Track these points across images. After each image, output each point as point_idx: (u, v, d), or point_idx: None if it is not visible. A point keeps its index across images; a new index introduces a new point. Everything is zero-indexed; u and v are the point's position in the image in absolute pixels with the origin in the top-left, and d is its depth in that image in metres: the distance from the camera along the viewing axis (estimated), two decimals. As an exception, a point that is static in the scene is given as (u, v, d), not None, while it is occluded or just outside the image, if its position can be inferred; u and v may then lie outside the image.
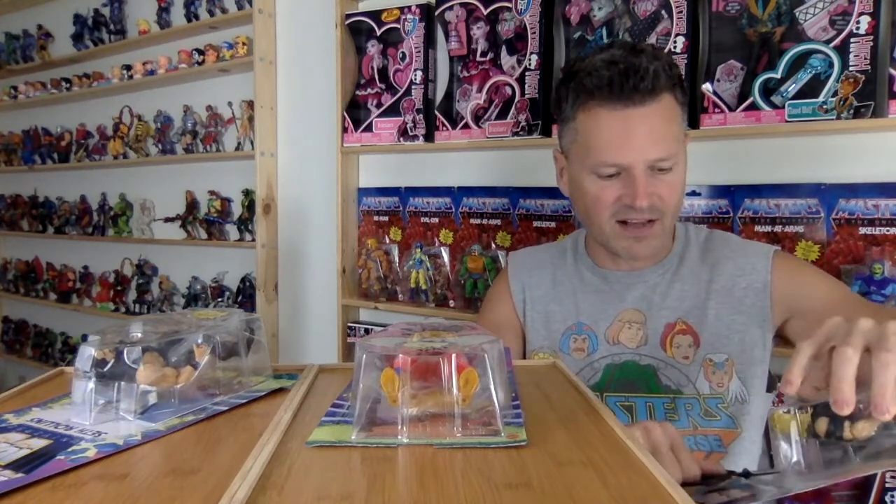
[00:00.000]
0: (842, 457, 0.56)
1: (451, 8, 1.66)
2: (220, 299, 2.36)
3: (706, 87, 1.31)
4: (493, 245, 1.67)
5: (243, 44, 2.15)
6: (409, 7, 1.74)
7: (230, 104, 2.27)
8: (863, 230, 1.23)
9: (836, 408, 0.54)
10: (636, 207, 0.90)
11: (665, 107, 0.90)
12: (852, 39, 1.18)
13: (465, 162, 1.78)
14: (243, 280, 2.29)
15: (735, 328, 0.96)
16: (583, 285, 1.06)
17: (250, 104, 2.16)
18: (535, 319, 1.07)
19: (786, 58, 1.24)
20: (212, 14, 2.24)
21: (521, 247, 1.61)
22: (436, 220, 1.77)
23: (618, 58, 0.89)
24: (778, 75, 1.25)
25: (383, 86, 1.79)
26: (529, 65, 1.54)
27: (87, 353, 0.59)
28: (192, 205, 2.41)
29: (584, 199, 0.97)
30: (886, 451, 0.55)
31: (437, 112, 1.70)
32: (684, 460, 0.69)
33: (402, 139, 1.76)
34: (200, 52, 2.25)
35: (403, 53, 1.75)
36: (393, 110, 1.77)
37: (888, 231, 1.21)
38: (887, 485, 1.20)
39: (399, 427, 0.52)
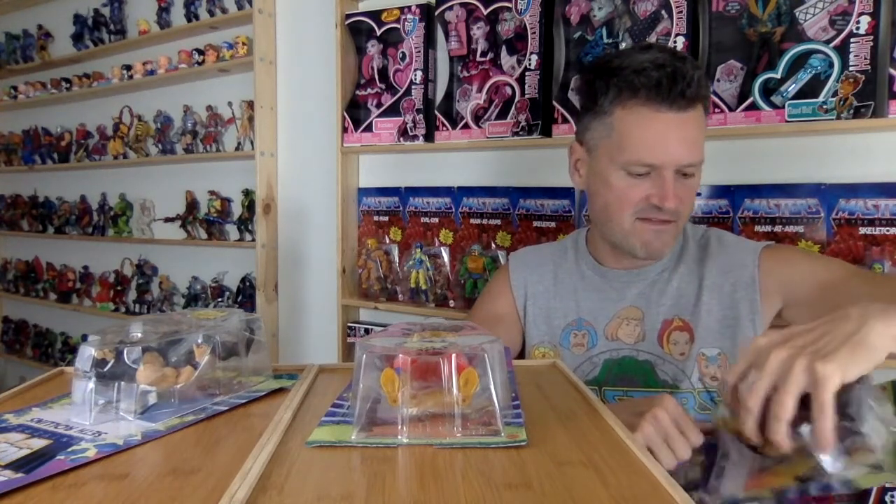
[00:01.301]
0: (763, 464, 0.62)
1: (451, 8, 1.66)
2: (220, 299, 2.37)
3: (706, 87, 1.31)
4: (493, 245, 1.67)
5: (243, 44, 2.15)
6: (409, 7, 1.74)
7: (230, 104, 2.27)
8: (863, 230, 1.23)
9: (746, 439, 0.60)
10: (664, 208, 0.92)
11: (699, 115, 0.93)
12: (852, 39, 1.18)
13: (465, 162, 1.78)
14: (243, 280, 2.29)
15: (726, 323, 0.97)
16: (583, 283, 1.08)
17: (250, 104, 2.16)
18: (537, 315, 1.09)
19: (786, 58, 1.24)
20: (212, 14, 2.24)
21: (521, 247, 1.61)
22: (436, 220, 1.77)
23: (664, 61, 0.90)
24: (778, 75, 1.25)
25: (383, 86, 1.79)
26: (529, 65, 1.54)
27: (87, 353, 0.59)
28: (192, 205, 2.41)
29: (607, 194, 0.97)
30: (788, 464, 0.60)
31: (437, 112, 1.70)
32: (691, 434, 0.73)
33: (402, 139, 1.76)
34: (200, 52, 2.25)
35: (403, 53, 1.75)
36: (393, 110, 1.77)
37: (888, 231, 1.21)
38: (887, 485, 1.20)
39: (399, 427, 0.52)
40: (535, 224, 1.61)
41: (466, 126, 1.64)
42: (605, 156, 0.96)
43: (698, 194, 1.38)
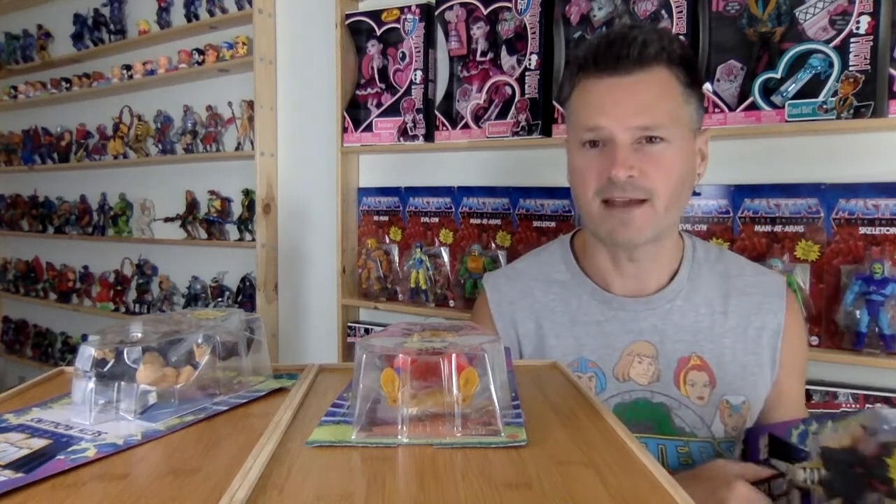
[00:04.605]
0: None
1: (451, 8, 1.66)
2: (220, 299, 2.36)
3: (706, 87, 1.31)
4: (493, 245, 1.67)
5: (243, 44, 2.15)
6: (409, 7, 1.74)
7: (230, 104, 2.27)
8: (863, 230, 1.23)
9: None
10: (613, 178, 0.83)
11: (657, 80, 0.85)
12: (852, 39, 1.18)
13: (465, 162, 1.78)
14: (243, 280, 2.29)
15: (750, 370, 0.91)
16: (581, 313, 0.95)
17: (250, 104, 2.16)
18: (532, 356, 0.97)
19: (786, 58, 1.24)
20: (212, 14, 2.24)
21: (522, 247, 1.61)
22: (436, 220, 1.77)
23: (611, 33, 0.87)
24: (778, 75, 1.25)
25: (383, 86, 1.79)
26: (529, 65, 1.54)
27: (87, 353, 0.59)
28: (192, 205, 2.41)
29: (573, 179, 0.92)
30: None
31: (437, 112, 1.70)
32: None
33: (402, 139, 1.76)
34: (200, 52, 2.25)
35: (403, 53, 1.75)
36: (393, 110, 1.77)
37: (888, 231, 1.21)
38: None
39: (399, 427, 0.52)
40: (535, 224, 1.61)
41: (466, 126, 1.64)
42: (569, 141, 0.93)
43: (697, 194, 1.37)
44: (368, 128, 1.81)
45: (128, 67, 2.50)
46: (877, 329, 1.19)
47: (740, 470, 0.73)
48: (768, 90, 1.26)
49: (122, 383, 0.59)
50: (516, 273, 1.04)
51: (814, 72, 1.22)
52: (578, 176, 0.89)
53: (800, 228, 1.28)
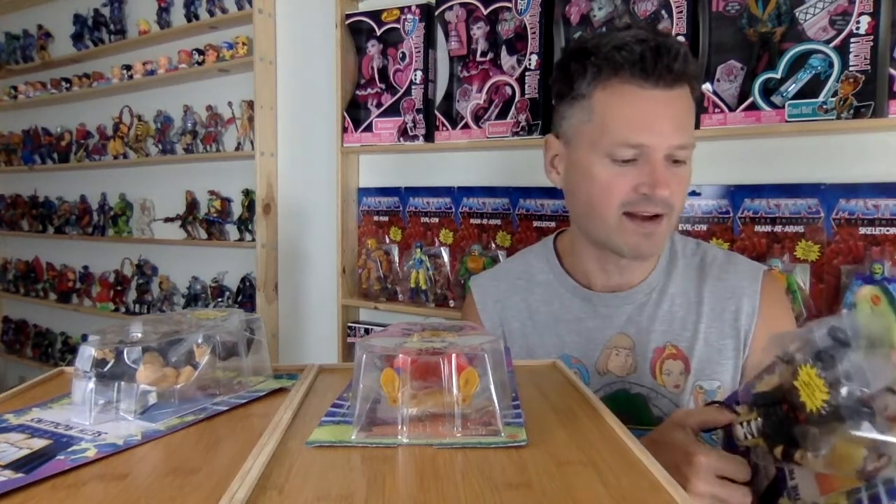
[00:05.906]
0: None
1: (451, 8, 1.66)
2: (220, 299, 2.37)
3: (706, 87, 1.31)
4: (493, 245, 1.67)
5: (243, 44, 2.15)
6: (409, 7, 1.74)
7: (230, 104, 2.27)
8: (863, 230, 1.23)
9: None
10: (656, 197, 0.82)
11: (686, 95, 0.85)
12: (852, 39, 1.18)
13: (465, 162, 1.78)
14: (243, 280, 2.29)
15: (726, 353, 0.90)
16: (563, 311, 0.97)
17: (250, 104, 2.16)
18: (517, 354, 0.98)
19: (786, 58, 1.24)
20: (212, 14, 2.24)
21: (522, 247, 1.61)
22: (436, 220, 1.77)
23: (646, 36, 0.83)
24: (778, 75, 1.25)
25: (383, 86, 1.79)
26: (529, 65, 1.54)
27: (87, 353, 0.59)
28: (192, 205, 2.41)
29: (590, 188, 0.87)
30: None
31: (437, 112, 1.70)
32: (739, 475, 0.67)
33: (402, 139, 1.76)
34: (200, 52, 2.25)
35: (403, 53, 1.75)
36: (393, 110, 1.77)
37: (888, 231, 1.21)
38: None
39: (399, 427, 0.52)
40: (535, 224, 1.61)
41: (466, 126, 1.64)
42: (585, 144, 0.87)
43: (697, 194, 1.38)
44: (368, 128, 1.81)
45: (128, 67, 2.50)
46: (877, 329, 1.19)
47: (698, 420, 0.70)
48: (768, 90, 1.26)
49: (122, 383, 0.59)
50: (502, 273, 1.07)
51: (814, 72, 1.22)
52: (602, 187, 0.86)
53: (800, 228, 1.28)
